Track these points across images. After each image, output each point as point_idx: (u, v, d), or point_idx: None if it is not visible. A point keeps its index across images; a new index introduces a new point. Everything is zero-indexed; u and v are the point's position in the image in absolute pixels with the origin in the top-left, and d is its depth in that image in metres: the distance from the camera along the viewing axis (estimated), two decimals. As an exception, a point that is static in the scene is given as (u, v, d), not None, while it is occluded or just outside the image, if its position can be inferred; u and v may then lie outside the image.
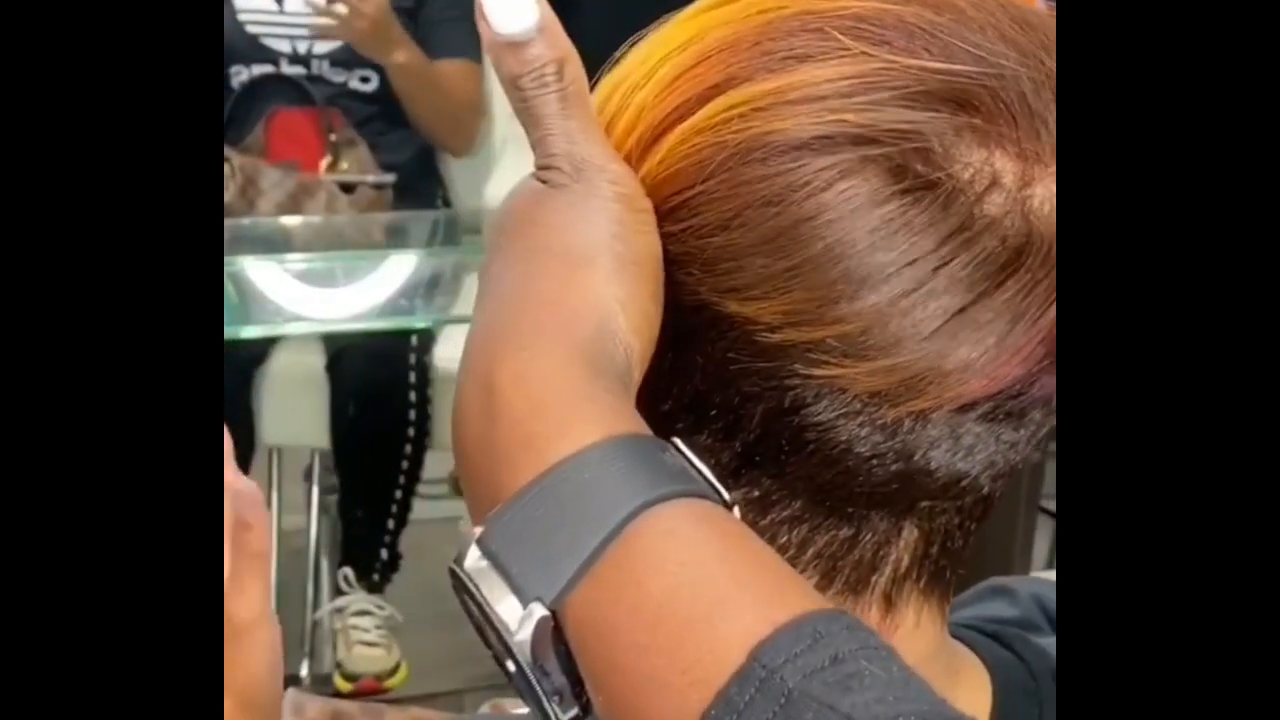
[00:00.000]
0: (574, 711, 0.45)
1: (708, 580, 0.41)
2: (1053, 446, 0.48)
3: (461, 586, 0.45)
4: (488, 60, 2.52)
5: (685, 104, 0.50)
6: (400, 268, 2.40)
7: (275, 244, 2.45)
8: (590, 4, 1.78)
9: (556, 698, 0.44)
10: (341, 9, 2.43)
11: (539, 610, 0.43)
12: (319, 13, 2.46)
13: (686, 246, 0.49)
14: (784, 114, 0.48)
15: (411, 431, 2.39)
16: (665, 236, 0.49)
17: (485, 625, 0.44)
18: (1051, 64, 0.49)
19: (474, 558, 0.44)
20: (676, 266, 0.49)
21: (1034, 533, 2.01)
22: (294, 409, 2.42)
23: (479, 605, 0.44)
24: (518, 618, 0.43)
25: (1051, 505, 2.34)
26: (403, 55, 2.49)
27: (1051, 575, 0.66)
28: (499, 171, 2.63)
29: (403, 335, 2.36)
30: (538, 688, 0.44)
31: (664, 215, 0.50)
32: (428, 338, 2.40)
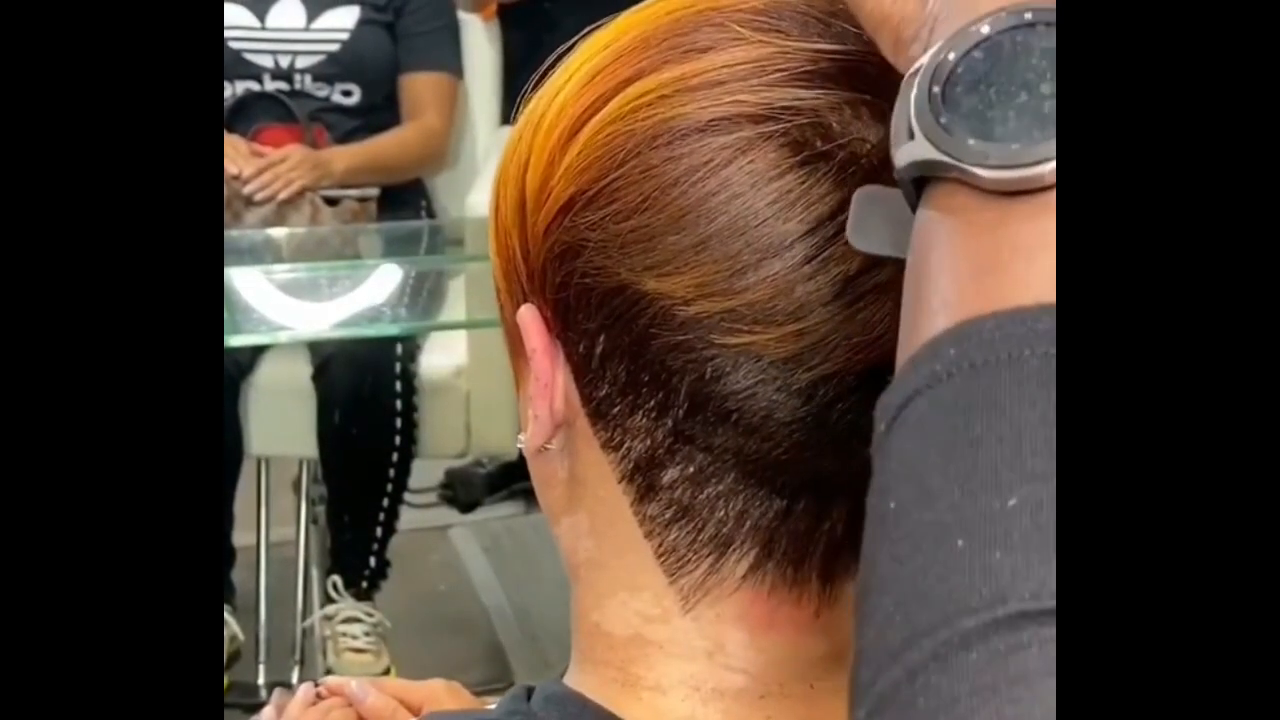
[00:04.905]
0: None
1: None
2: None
3: None
4: (473, 67, 2.50)
5: (600, 98, 0.53)
6: (385, 278, 2.41)
7: (261, 255, 2.45)
8: (568, 23, 1.79)
9: None
10: (274, 184, 2.48)
11: None
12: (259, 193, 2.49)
13: (606, 232, 0.52)
14: (686, 100, 0.52)
15: (398, 440, 2.39)
16: (587, 225, 0.53)
17: None
18: None
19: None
20: (599, 252, 0.52)
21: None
22: (281, 419, 2.41)
23: None
24: None
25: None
26: (341, 165, 2.55)
27: None
28: (482, 182, 2.64)
29: (388, 344, 2.36)
30: None
31: (585, 204, 0.53)
32: (413, 346, 2.40)
